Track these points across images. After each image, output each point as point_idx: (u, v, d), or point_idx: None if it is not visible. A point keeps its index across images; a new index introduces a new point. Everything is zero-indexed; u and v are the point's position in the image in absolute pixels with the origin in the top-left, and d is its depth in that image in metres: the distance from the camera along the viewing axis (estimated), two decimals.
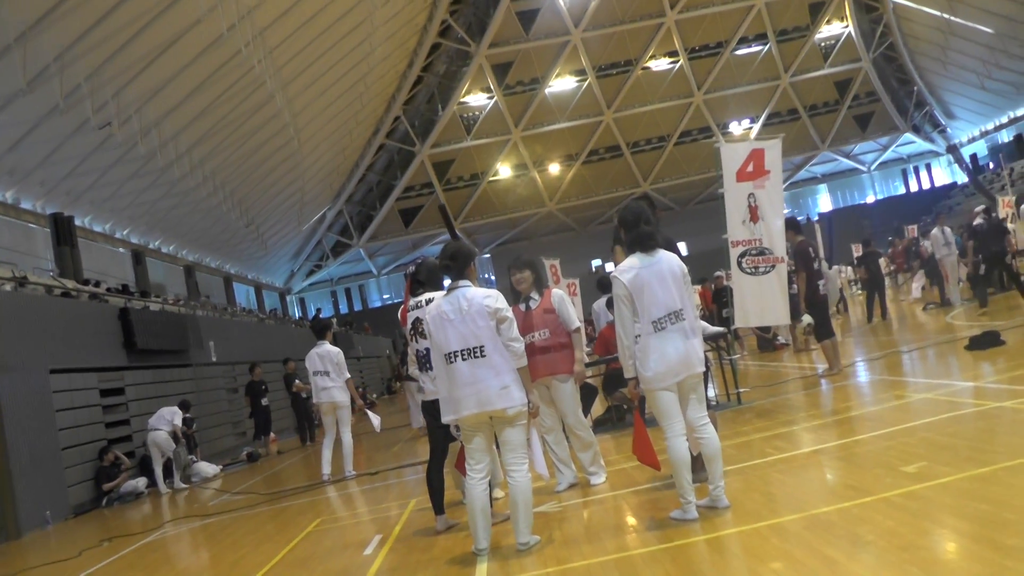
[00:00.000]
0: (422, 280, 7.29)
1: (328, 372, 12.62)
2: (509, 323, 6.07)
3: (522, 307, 7.99)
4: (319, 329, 13.20)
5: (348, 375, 12.80)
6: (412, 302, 7.26)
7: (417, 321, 7.07)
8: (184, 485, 16.01)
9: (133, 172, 27.50)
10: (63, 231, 24.25)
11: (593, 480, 7.96)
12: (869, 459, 6.79)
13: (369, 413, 12.86)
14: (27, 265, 21.10)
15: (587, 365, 11.21)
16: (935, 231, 20.13)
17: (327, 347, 12.78)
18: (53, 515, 14.12)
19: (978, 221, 19.25)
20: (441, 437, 7.19)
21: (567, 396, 7.98)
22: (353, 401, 12.84)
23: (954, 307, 19.30)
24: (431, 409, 6.99)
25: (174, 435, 16.05)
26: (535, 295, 8.04)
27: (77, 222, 25.62)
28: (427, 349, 6.84)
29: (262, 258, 46.37)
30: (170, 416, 16.20)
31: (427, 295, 7.10)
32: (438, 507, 7.28)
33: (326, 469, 12.49)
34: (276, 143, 35.43)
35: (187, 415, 18.21)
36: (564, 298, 8.06)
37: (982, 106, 54.52)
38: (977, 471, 5.70)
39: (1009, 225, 22.88)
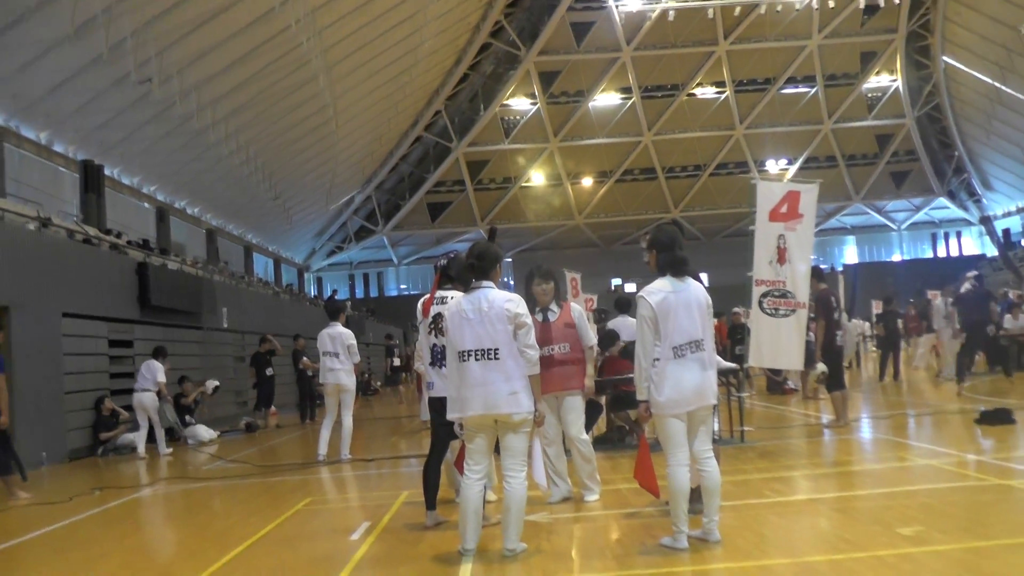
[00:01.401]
0: (452, 276, 7.24)
1: (338, 354, 12.60)
2: (527, 329, 6.04)
3: (539, 317, 7.98)
4: (333, 311, 13.20)
5: (358, 359, 12.80)
6: (438, 295, 7.22)
7: (438, 316, 7.03)
8: (168, 450, 15.45)
9: (167, 131, 27.62)
10: (92, 179, 24.35)
11: (587, 496, 7.94)
12: (866, 515, 6.76)
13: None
14: (52, 208, 21.21)
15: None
16: (937, 302, 19.81)
17: (339, 329, 12.76)
18: (49, 456, 14.21)
19: (965, 287, 18.64)
20: (444, 434, 7.16)
21: (576, 410, 8.00)
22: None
23: (947, 380, 18.73)
24: (438, 405, 6.99)
25: (159, 393, 15.37)
26: (554, 307, 8.05)
27: (106, 172, 25.73)
28: (444, 345, 6.87)
29: (285, 232, 46.48)
30: (151, 375, 15.37)
31: (454, 292, 7.05)
32: (430, 502, 7.27)
33: (322, 449, 12.47)
34: (313, 122, 35.53)
35: (214, 383, 18.41)
36: (583, 314, 8.09)
37: (1021, 181, 54.12)
38: (974, 543, 5.66)
39: None
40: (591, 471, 8.01)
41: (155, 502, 10.09)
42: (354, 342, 12.77)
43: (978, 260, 59.17)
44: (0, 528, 8.84)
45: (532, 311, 7.95)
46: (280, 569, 6.32)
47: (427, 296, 7.38)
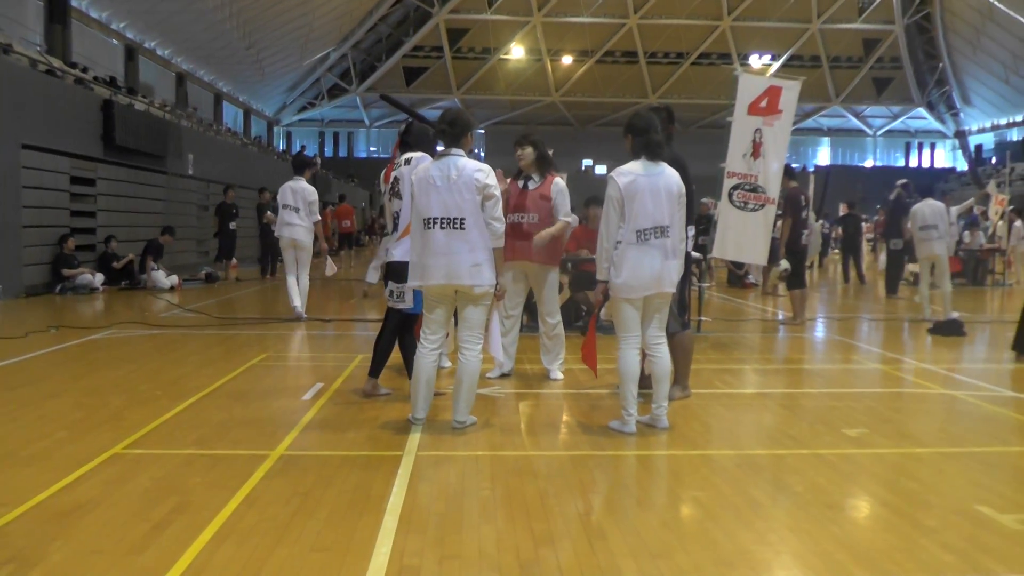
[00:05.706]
0: (410, 142, 7.06)
1: (298, 209, 12.37)
2: (495, 201, 5.92)
3: (519, 184, 7.87)
4: (300, 164, 12.84)
5: (318, 217, 12.58)
6: (397, 160, 7.02)
7: (395, 181, 6.90)
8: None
9: None
10: (57, 8, 23.47)
11: (552, 375, 8.01)
12: (812, 414, 6.88)
13: (328, 259, 12.82)
14: (13, 34, 20.48)
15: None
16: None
17: (303, 184, 12.46)
18: (5, 290, 14.07)
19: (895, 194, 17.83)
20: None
21: (551, 284, 7.92)
22: (316, 241, 12.62)
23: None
24: (397, 271, 6.90)
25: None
26: (535, 176, 7.88)
27: (73, 3, 24.77)
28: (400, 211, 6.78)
29: (256, 83, 45.54)
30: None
31: (410, 155, 6.90)
32: (375, 370, 7.20)
33: (296, 302, 12.32)
34: None
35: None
36: (564, 190, 7.89)
37: (1000, 99, 53.95)
38: (913, 450, 5.79)
39: (992, 221, 22.94)
40: (559, 351, 8.08)
41: (111, 345, 10.05)
42: (316, 199, 12.56)
43: (948, 173, 59.49)
44: None
45: (516, 177, 7.89)
46: (230, 423, 6.33)
47: (390, 163, 7.21)
